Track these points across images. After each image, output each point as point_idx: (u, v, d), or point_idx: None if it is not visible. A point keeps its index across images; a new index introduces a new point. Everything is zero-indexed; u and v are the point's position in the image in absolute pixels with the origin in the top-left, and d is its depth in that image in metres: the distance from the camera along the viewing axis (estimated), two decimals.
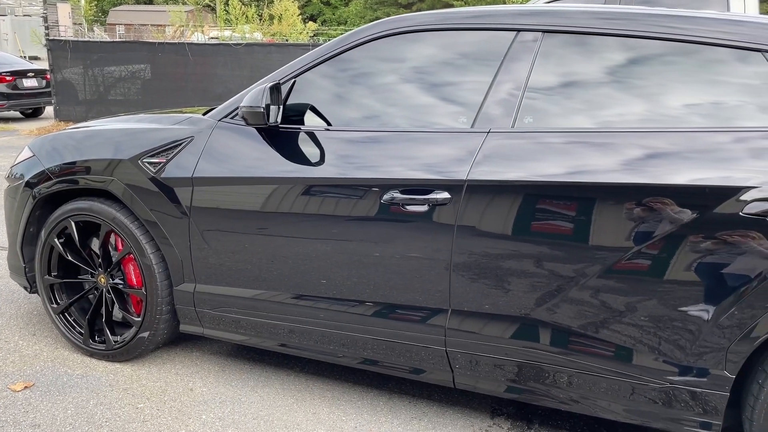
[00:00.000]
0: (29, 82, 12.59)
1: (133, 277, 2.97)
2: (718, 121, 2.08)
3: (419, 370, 2.48)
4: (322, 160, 2.52)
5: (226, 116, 2.74)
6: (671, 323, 2.05)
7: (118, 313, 3.04)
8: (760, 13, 6.84)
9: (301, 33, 12.88)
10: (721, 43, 2.11)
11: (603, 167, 2.10)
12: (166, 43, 11.88)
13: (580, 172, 2.12)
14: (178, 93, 11.22)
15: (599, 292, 2.12)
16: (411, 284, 2.38)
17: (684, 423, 2.11)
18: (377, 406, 2.71)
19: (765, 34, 2.07)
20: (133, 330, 2.95)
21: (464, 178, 2.24)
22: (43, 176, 3.06)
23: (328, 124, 2.67)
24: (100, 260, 3.01)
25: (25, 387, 2.80)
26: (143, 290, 2.87)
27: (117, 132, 3.01)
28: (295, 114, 2.67)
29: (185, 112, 3.09)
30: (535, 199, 2.18)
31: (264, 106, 2.46)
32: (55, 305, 3.14)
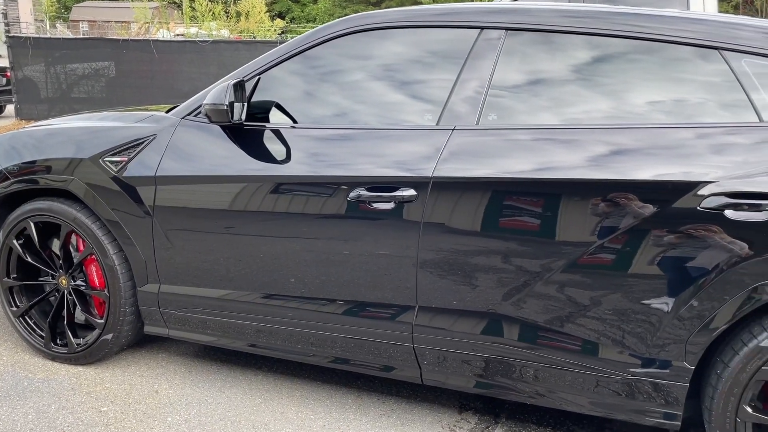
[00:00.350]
0: None
1: (96, 278, 2.91)
2: (681, 118, 2.12)
3: (389, 367, 2.48)
4: (288, 158, 2.50)
5: (189, 114, 2.70)
6: (634, 316, 2.08)
7: (80, 316, 2.98)
8: (719, 12, 7.01)
9: (268, 30, 12.78)
10: (683, 42, 2.15)
11: (567, 163, 2.12)
12: (131, 40, 11.68)
13: (545, 168, 2.14)
14: (143, 91, 11.06)
15: (565, 287, 2.15)
16: (380, 282, 2.38)
17: (646, 414, 2.15)
18: (346, 404, 2.70)
19: (722, 33, 2.12)
20: (96, 332, 2.89)
21: (430, 175, 2.24)
22: (0, 176, 2.98)
23: (294, 121, 2.65)
24: (61, 262, 2.94)
25: None
26: (106, 292, 2.82)
27: (78, 130, 2.95)
28: (260, 111, 2.64)
29: (150, 110, 3.03)
30: (501, 195, 2.19)
31: (228, 103, 2.43)
32: (14, 308, 3.05)
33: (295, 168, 2.47)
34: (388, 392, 2.80)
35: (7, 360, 3.01)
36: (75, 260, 2.92)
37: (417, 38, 2.56)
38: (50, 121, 3.29)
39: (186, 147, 2.65)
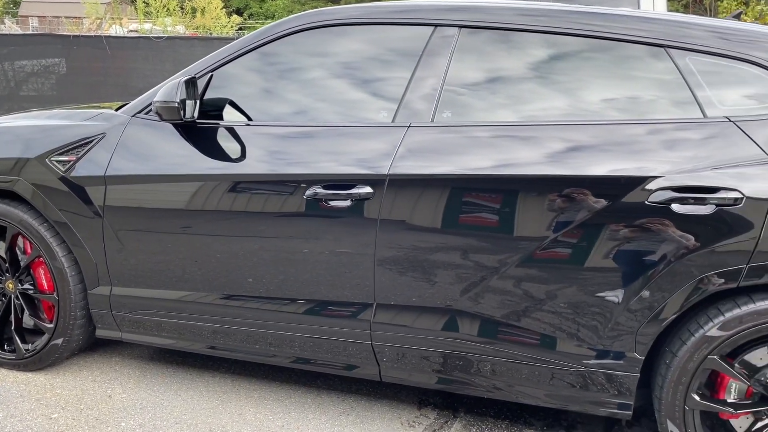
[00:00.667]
0: None
1: (44, 281, 2.82)
2: (634, 115, 2.16)
3: (352, 366, 2.47)
4: (242, 156, 2.47)
5: (139, 112, 2.64)
6: (588, 309, 2.12)
7: (28, 320, 2.88)
8: (669, 11, 7.21)
9: (225, 27, 12.59)
10: (633, 40, 2.19)
11: (526, 160, 2.15)
12: (82, 36, 11.36)
13: (504, 165, 2.16)
14: (96, 88, 10.77)
15: (521, 282, 2.17)
16: (339, 280, 2.36)
17: (600, 405, 2.19)
18: (305, 403, 2.68)
19: (668, 31, 2.17)
20: (45, 337, 2.80)
21: (386, 173, 2.24)
22: None
23: (249, 119, 2.61)
24: (7, 265, 2.85)
25: None
26: (55, 295, 2.73)
27: (25, 129, 2.85)
28: (213, 109, 2.60)
29: (100, 108, 2.95)
30: (457, 192, 2.20)
31: (179, 101, 2.38)
32: None
33: (249, 166, 2.44)
34: (348, 390, 2.79)
35: None
36: (22, 263, 2.83)
37: (373, 35, 2.56)
38: None
39: (137, 146, 2.59)
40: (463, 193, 2.20)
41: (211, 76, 2.58)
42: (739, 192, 1.92)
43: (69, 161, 2.62)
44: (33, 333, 2.91)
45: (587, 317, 2.13)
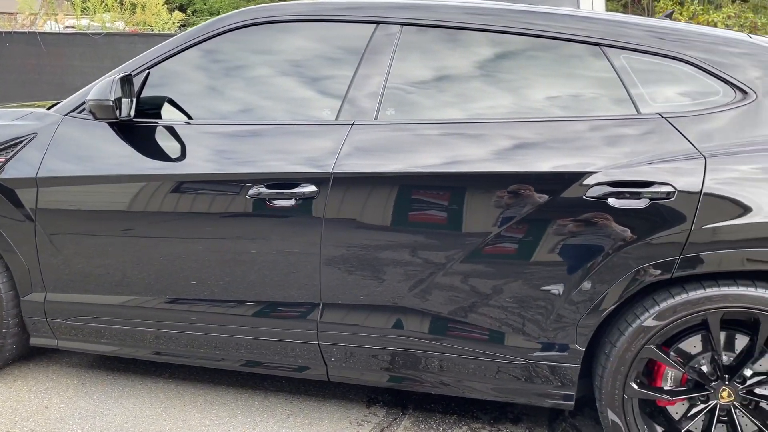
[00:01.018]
0: None
1: None
2: (576, 112, 2.20)
3: (302, 367, 2.45)
4: (183, 156, 2.41)
5: (73, 110, 2.54)
6: (533, 302, 2.15)
7: None
8: (607, 11, 7.39)
9: (167, 23, 12.26)
10: (571, 39, 2.23)
11: (473, 157, 2.16)
12: (15, 32, 10.87)
13: (450, 162, 2.17)
14: (30, 86, 10.33)
15: (468, 277, 2.19)
16: (286, 281, 2.34)
17: (544, 396, 2.24)
18: (252, 406, 2.64)
19: (604, 30, 2.22)
20: None
21: (330, 171, 2.22)
22: None
23: (189, 117, 2.55)
24: None
25: None
26: None
27: None
28: (151, 107, 2.52)
29: (31, 107, 2.83)
30: (401, 189, 2.20)
31: (114, 99, 2.30)
32: None
33: (190, 165, 2.38)
34: (297, 392, 2.76)
35: None
36: None
37: (317, 32, 2.53)
38: None
39: (70, 146, 2.49)
40: (409, 190, 2.20)
41: (148, 73, 2.50)
42: (672, 186, 1.99)
43: None
44: None
45: (532, 310, 2.16)
